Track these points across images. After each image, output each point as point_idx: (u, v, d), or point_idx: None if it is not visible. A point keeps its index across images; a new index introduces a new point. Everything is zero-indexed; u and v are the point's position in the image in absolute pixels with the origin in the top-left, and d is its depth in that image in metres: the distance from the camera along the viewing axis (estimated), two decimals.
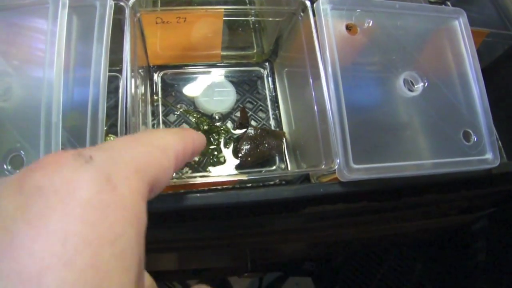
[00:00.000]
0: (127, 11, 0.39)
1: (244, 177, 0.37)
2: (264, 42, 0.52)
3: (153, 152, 0.21)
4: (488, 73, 0.61)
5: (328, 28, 0.40)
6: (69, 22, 0.37)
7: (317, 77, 0.40)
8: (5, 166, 0.33)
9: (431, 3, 0.64)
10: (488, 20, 0.59)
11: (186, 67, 0.50)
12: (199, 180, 0.36)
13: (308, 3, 0.42)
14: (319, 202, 0.41)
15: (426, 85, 0.43)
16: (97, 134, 0.34)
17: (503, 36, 0.55)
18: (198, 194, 0.36)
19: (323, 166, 0.38)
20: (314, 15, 0.42)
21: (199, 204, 0.36)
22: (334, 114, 0.38)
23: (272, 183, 0.45)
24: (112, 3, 0.38)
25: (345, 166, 0.37)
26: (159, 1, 0.43)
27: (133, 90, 0.37)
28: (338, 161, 0.37)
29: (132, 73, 0.38)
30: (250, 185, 0.43)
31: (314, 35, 0.41)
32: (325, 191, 0.39)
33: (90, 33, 0.37)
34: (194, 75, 0.50)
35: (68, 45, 0.36)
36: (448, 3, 0.65)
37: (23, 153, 0.33)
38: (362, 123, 0.40)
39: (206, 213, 0.39)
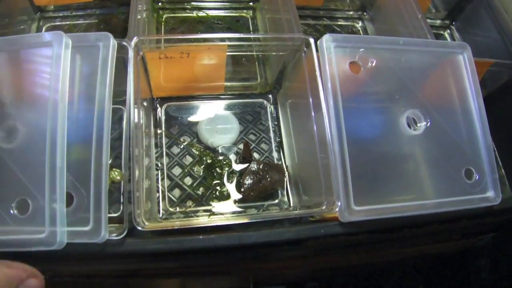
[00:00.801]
0: (130, 50, 0.39)
1: (245, 220, 0.37)
2: (268, 74, 0.52)
3: None
4: (493, 100, 0.60)
5: (331, 66, 0.40)
6: (73, 62, 0.37)
7: (319, 115, 0.40)
8: (11, 211, 0.33)
9: (436, 27, 0.64)
10: (493, 44, 0.59)
11: (190, 99, 0.50)
12: (200, 223, 0.37)
13: (311, 40, 0.42)
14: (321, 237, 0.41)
15: (429, 124, 0.42)
16: (101, 170, 0.35)
17: (508, 66, 0.55)
18: (200, 236, 0.37)
19: (324, 207, 0.39)
20: (317, 51, 0.42)
21: (200, 247, 0.37)
22: (336, 154, 0.38)
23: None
24: (115, 43, 0.38)
25: (346, 208, 0.37)
26: (162, 38, 0.43)
27: (136, 122, 0.38)
28: (339, 203, 0.37)
29: (135, 106, 0.38)
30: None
31: (317, 73, 0.41)
32: (327, 232, 0.39)
33: (94, 74, 0.37)
34: (198, 107, 0.50)
35: (72, 84, 0.37)
36: (453, 27, 0.65)
37: (28, 198, 0.33)
38: (364, 162, 0.40)
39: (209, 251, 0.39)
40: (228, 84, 0.50)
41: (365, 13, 0.60)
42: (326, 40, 0.41)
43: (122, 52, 0.39)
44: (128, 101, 0.38)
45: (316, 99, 0.41)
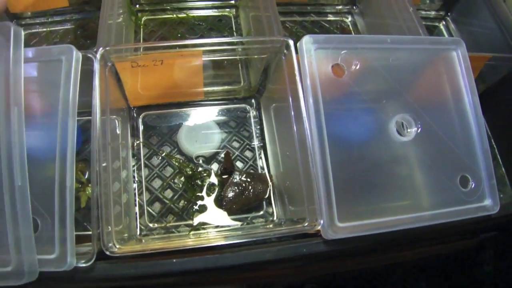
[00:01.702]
0: (95, 62, 0.37)
1: (221, 241, 0.35)
2: (251, 76, 0.49)
3: None
4: (492, 95, 0.57)
5: (311, 69, 0.37)
6: (38, 77, 0.35)
7: (299, 121, 0.38)
8: None
9: (431, 19, 0.61)
10: (491, 36, 0.56)
11: (169, 107, 0.47)
12: (175, 246, 0.34)
13: (291, 42, 0.40)
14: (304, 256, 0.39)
15: (419, 130, 0.40)
16: (65, 191, 0.32)
17: (506, 59, 0.51)
18: (174, 260, 0.35)
19: (305, 224, 0.36)
20: (297, 53, 0.39)
21: (175, 270, 0.35)
22: (317, 164, 0.36)
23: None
24: (79, 55, 0.36)
25: (329, 226, 0.35)
26: (132, 48, 0.41)
27: (102, 134, 0.35)
28: (321, 221, 0.35)
29: (104, 117, 0.36)
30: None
31: (297, 77, 0.38)
32: (309, 251, 0.36)
33: (57, 89, 0.35)
34: (178, 115, 0.48)
35: (35, 99, 0.35)
36: (448, 18, 0.62)
37: None
38: (349, 173, 0.37)
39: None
40: (210, 89, 0.48)
41: (354, 7, 0.57)
42: (306, 41, 0.38)
43: (88, 64, 0.37)
44: (94, 114, 0.35)
45: (296, 109, 0.38)
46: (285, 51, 0.41)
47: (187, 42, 0.39)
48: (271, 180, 0.45)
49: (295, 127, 0.39)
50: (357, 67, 0.39)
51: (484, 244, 0.79)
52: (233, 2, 0.55)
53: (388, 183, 0.39)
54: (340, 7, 0.57)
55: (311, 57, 0.38)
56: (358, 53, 0.39)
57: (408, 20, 0.48)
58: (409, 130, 0.40)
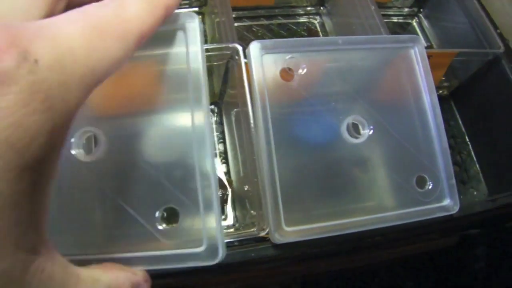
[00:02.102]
0: None
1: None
2: (214, 83, 0.49)
3: (112, 47, 0.18)
4: (465, 91, 0.56)
5: (259, 75, 0.37)
6: None
7: (249, 127, 0.38)
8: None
9: (404, 16, 0.60)
10: (462, 31, 0.55)
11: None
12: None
13: (239, 48, 0.40)
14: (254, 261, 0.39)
15: (371, 131, 0.39)
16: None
17: (477, 54, 0.50)
18: None
19: (255, 229, 0.36)
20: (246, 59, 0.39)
21: None
22: (264, 168, 0.36)
23: None
24: None
25: (276, 230, 0.35)
26: None
27: None
28: (269, 226, 0.35)
29: None
30: None
31: (245, 83, 0.38)
32: (258, 256, 0.36)
33: None
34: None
35: None
36: (421, 15, 0.61)
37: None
38: (299, 177, 0.37)
39: None
40: None
41: (322, 8, 0.57)
42: (253, 47, 0.38)
43: None
44: None
45: (245, 110, 0.38)
46: (236, 57, 0.41)
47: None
48: (231, 186, 0.45)
49: (249, 132, 0.39)
50: (304, 71, 0.38)
51: (475, 241, 0.78)
52: (197, 9, 0.55)
53: (341, 186, 0.38)
54: (308, 8, 0.57)
55: (259, 63, 0.38)
56: (307, 57, 0.39)
57: (370, 18, 0.48)
58: (361, 132, 0.39)
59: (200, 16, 0.56)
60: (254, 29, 0.55)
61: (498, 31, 0.65)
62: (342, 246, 0.41)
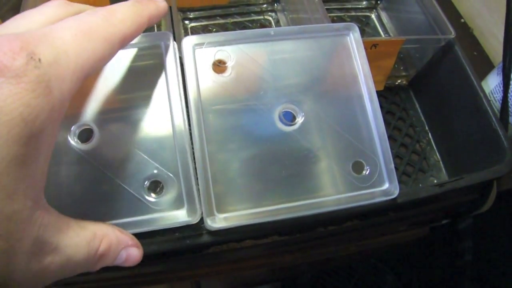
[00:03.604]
0: None
1: None
2: None
3: (99, 47, 0.23)
4: (422, 79, 0.56)
5: (191, 69, 0.38)
6: None
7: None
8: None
9: (362, 9, 0.61)
10: (416, 21, 0.55)
11: None
12: None
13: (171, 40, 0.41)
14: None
15: (303, 118, 0.40)
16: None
17: (424, 41, 0.50)
18: None
19: (187, 218, 0.37)
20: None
21: None
22: (197, 160, 0.36)
23: None
24: None
25: (208, 216, 0.35)
26: None
27: None
28: (199, 210, 0.35)
29: None
30: None
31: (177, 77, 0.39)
32: (193, 243, 0.37)
33: None
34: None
35: None
36: (379, 8, 0.61)
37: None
38: (233, 166, 0.38)
39: None
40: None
41: (276, 4, 0.58)
42: (185, 42, 0.39)
43: None
44: None
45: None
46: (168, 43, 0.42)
47: None
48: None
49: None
50: (234, 62, 0.39)
51: (463, 233, 0.77)
52: None
53: (278, 174, 0.39)
54: (264, 5, 0.58)
55: (191, 57, 0.39)
56: (239, 49, 0.40)
57: (315, 12, 0.48)
58: (295, 119, 0.40)
59: None
60: (210, 28, 0.56)
61: (462, 20, 0.65)
62: (293, 235, 0.41)
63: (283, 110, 0.40)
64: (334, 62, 0.42)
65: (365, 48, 0.46)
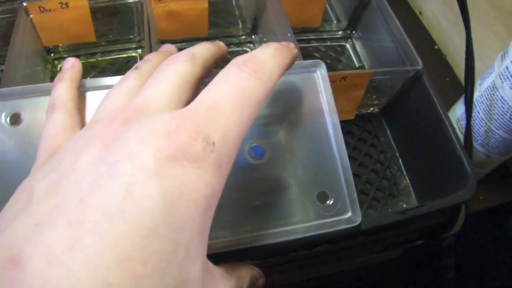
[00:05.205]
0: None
1: None
2: None
3: (254, 111, 0.23)
4: (392, 108, 0.58)
5: None
6: None
7: None
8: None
9: (338, 39, 0.63)
10: (388, 51, 0.58)
11: None
12: None
13: None
14: None
15: (271, 151, 0.42)
16: None
17: (393, 73, 0.53)
18: None
19: None
20: None
21: None
22: None
23: None
24: None
25: None
26: None
27: None
28: None
29: None
30: None
31: None
32: None
33: None
34: None
35: None
36: (354, 37, 0.64)
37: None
38: None
39: None
40: None
41: (254, 36, 0.61)
42: None
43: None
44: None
45: None
46: None
47: None
48: None
49: None
50: None
51: (445, 251, 0.79)
52: (134, 45, 0.60)
53: (247, 203, 0.41)
54: (243, 37, 0.61)
55: None
56: None
57: None
58: (264, 153, 0.42)
59: (140, 50, 0.60)
60: None
61: (436, 47, 0.68)
62: (266, 259, 0.43)
63: (252, 145, 0.42)
64: (301, 97, 0.45)
65: (335, 80, 0.49)
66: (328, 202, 0.42)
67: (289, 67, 0.28)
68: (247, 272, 0.30)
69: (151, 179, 0.18)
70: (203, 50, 0.29)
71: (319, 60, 0.46)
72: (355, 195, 0.43)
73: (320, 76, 0.45)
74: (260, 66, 0.24)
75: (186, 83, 0.25)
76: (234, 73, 0.23)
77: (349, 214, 0.42)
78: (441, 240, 0.75)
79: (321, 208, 0.42)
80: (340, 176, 0.43)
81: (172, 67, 0.25)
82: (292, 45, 0.29)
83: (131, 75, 0.29)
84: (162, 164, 0.19)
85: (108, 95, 0.28)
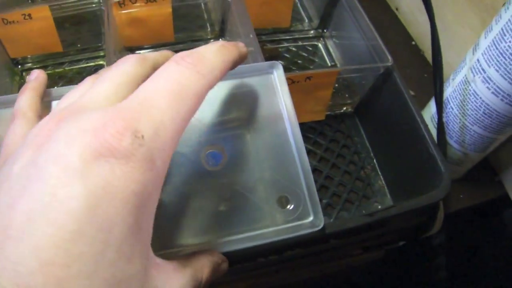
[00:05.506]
0: None
1: None
2: None
3: (191, 104, 0.23)
4: (365, 107, 0.57)
5: None
6: None
7: None
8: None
9: (310, 38, 0.62)
10: (358, 48, 0.56)
11: None
12: None
13: None
14: None
15: (229, 157, 0.41)
16: None
17: (360, 70, 0.52)
18: None
19: None
20: None
21: None
22: None
23: None
24: None
25: None
26: None
27: None
28: None
29: None
30: None
31: None
32: None
33: None
34: None
35: None
36: (325, 36, 0.63)
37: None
38: (163, 205, 0.39)
39: None
40: None
41: (221, 38, 0.60)
42: None
43: None
44: None
45: None
46: None
47: None
48: None
49: None
50: None
51: (436, 251, 0.77)
52: (102, 53, 0.59)
53: (210, 210, 0.40)
54: (211, 40, 0.60)
55: None
56: None
57: (250, 46, 0.50)
58: (221, 159, 0.41)
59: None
60: None
61: (413, 42, 0.66)
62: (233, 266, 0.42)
63: (208, 151, 0.41)
64: (259, 100, 0.44)
65: (299, 80, 0.48)
66: (288, 206, 0.41)
67: (236, 65, 0.28)
68: (207, 261, 0.30)
69: (76, 179, 0.18)
70: (157, 54, 0.28)
71: (275, 62, 0.45)
72: (316, 198, 0.41)
73: (277, 77, 0.44)
74: (200, 60, 0.23)
75: (132, 82, 0.24)
76: (171, 67, 0.23)
77: (311, 218, 0.41)
78: (431, 240, 0.73)
79: (282, 213, 0.40)
80: (300, 180, 0.41)
81: (121, 68, 0.25)
82: (241, 44, 0.29)
83: (89, 79, 0.28)
84: (87, 163, 0.18)
85: (62, 98, 0.27)
